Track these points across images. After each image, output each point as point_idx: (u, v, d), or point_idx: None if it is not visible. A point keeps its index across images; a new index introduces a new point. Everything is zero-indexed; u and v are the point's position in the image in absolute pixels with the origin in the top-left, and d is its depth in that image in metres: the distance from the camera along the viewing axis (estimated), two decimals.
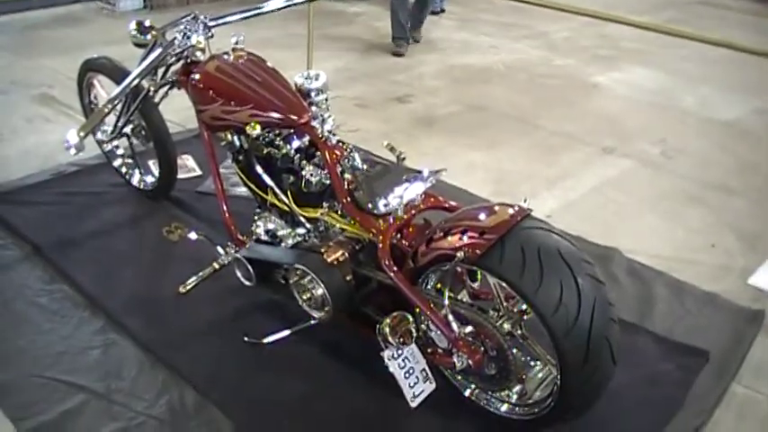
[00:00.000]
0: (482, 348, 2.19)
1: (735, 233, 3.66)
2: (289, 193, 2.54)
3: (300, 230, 2.61)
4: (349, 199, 2.38)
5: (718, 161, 4.49)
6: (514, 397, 2.29)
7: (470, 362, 2.16)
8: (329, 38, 6.23)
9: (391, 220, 2.31)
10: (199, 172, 3.82)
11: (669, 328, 2.89)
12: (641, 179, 4.21)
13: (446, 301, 2.16)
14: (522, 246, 2.01)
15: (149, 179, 3.50)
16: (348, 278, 2.37)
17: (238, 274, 2.71)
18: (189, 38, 2.73)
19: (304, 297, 2.44)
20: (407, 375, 2.24)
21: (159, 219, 3.37)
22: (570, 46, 6.64)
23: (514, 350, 2.17)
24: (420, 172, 2.34)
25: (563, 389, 2.07)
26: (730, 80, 5.90)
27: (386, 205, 2.28)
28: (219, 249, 2.72)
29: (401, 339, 2.18)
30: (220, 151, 2.84)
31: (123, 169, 3.57)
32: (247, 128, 2.43)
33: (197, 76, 2.63)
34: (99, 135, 3.28)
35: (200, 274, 2.69)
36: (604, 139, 4.67)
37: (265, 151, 2.56)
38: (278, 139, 2.54)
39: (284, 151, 2.52)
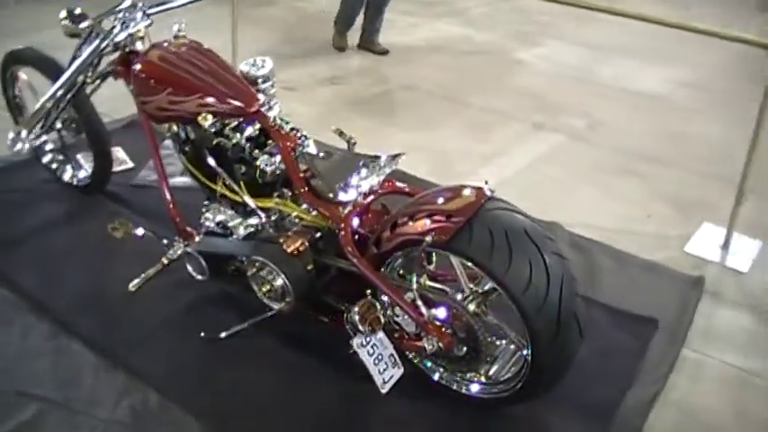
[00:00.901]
0: (450, 330, 2.19)
1: (668, 202, 3.79)
2: (241, 183, 2.47)
3: (253, 221, 2.54)
4: (306, 187, 2.34)
5: (643, 132, 4.64)
6: (484, 377, 2.31)
7: (441, 344, 2.16)
8: (251, 20, 6.08)
9: (351, 207, 2.28)
10: (131, 164, 3.69)
11: (617, 298, 2.97)
12: (573, 153, 4.30)
13: (414, 286, 2.16)
14: (489, 227, 2.02)
15: (82, 174, 3.35)
16: (309, 267, 2.33)
17: (190, 268, 2.63)
18: (128, 26, 2.61)
19: (263, 289, 2.39)
20: (377, 362, 2.23)
21: (98, 215, 3.21)
22: (489, 22, 6.71)
23: (482, 330, 2.18)
24: (378, 157, 2.31)
25: (534, 365, 2.10)
26: (646, 52, 6.09)
27: (345, 192, 2.24)
28: (167, 244, 2.64)
29: (370, 327, 2.17)
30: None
31: (53, 165, 3.40)
32: (199, 118, 2.35)
33: (140, 67, 2.52)
34: None
35: (149, 270, 2.61)
36: (533, 115, 4.75)
37: (215, 141, 2.48)
38: (227, 128, 2.47)
39: (235, 141, 2.45)
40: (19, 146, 2.33)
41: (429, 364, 2.38)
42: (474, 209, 2.05)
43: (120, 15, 2.62)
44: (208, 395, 2.38)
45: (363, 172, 2.26)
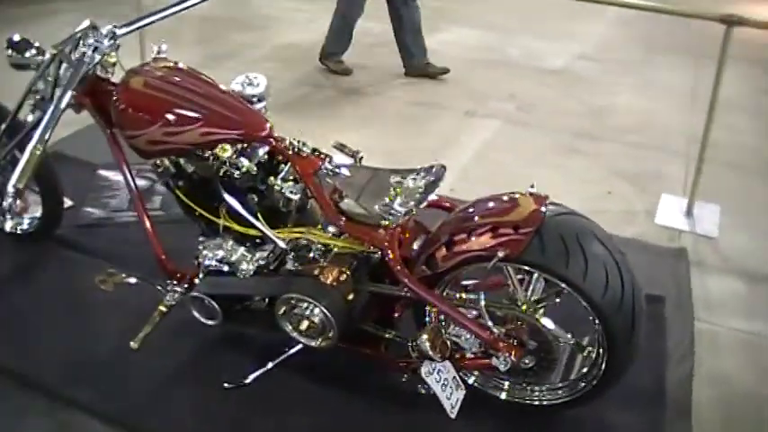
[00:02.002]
0: (517, 343, 2.10)
1: (621, 177, 3.86)
2: (258, 214, 2.25)
3: (261, 254, 2.33)
4: (335, 211, 2.15)
5: (570, 109, 4.71)
6: (550, 383, 2.23)
7: (513, 359, 2.06)
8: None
9: (394, 228, 2.12)
10: (70, 203, 3.31)
11: None
12: (515, 137, 4.31)
13: (482, 302, 2.05)
14: (560, 234, 1.95)
15: (26, 220, 2.97)
16: (349, 297, 2.16)
17: (197, 314, 2.38)
18: (98, 51, 2.30)
19: (301, 327, 2.19)
20: (444, 387, 2.11)
21: (54, 264, 2.89)
22: (383, 12, 6.59)
23: (552, 337, 2.10)
24: (414, 171, 2.15)
25: (610, 363, 2.06)
26: (540, 30, 6.20)
27: (388, 212, 2.07)
28: (162, 290, 2.39)
29: (440, 353, 2.03)
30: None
31: None
32: (217, 150, 2.12)
33: (122, 97, 2.22)
34: None
35: (148, 322, 2.33)
36: (461, 103, 4.71)
37: (221, 171, 2.23)
38: (234, 155, 2.23)
39: (245, 168, 2.22)
40: (11, 203, 1.98)
41: (490, 383, 2.28)
42: (540, 217, 1.96)
43: (90, 40, 2.30)
44: None
45: (404, 189, 2.09)
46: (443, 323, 2.16)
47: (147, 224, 2.45)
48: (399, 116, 4.54)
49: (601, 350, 2.06)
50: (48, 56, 2.42)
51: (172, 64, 2.31)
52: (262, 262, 2.32)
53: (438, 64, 5.16)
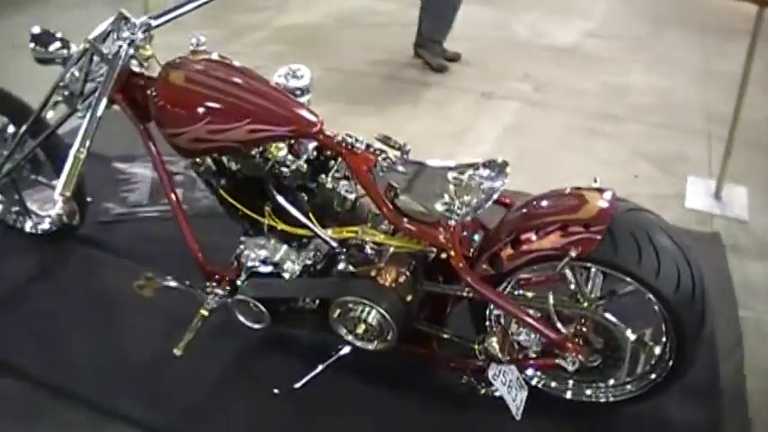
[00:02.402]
0: (583, 342, 2.04)
1: (646, 160, 3.80)
2: (310, 213, 2.16)
3: (307, 254, 2.25)
4: (392, 209, 2.07)
5: (585, 88, 4.64)
6: (615, 379, 2.18)
7: (581, 359, 2.00)
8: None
9: (456, 226, 2.03)
10: (88, 198, 3.20)
11: None
12: (535, 119, 4.23)
13: (551, 302, 1.98)
14: (631, 232, 1.90)
15: (47, 219, 2.85)
16: (408, 299, 2.09)
17: (242, 318, 2.30)
18: (134, 45, 2.18)
19: (358, 330, 2.11)
20: (510, 389, 2.05)
21: (76, 264, 2.80)
22: None
23: (620, 334, 2.04)
24: (475, 165, 2.05)
25: (679, 357, 2.01)
26: (547, 4, 6.10)
27: (450, 210, 1.99)
28: (202, 293, 2.29)
29: (508, 355, 1.97)
30: None
31: (11, 217, 2.87)
32: (273, 149, 2.03)
33: (161, 93, 2.11)
34: None
35: (191, 328, 2.24)
36: (476, 84, 4.62)
37: (269, 169, 2.14)
38: (280, 153, 2.13)
39: (294, 166, 2.12)
40: (61, 213, 1.88)
41: (554, 383, 2.22)
42: (610, 214, 1.90)
43: (125, 33, 2.18)
44: None
45: (465, 185, 2.01)
46: (507, 324, 2.09)
47: (184, 224, 2.35)
48: (417, 99, 4.44)
49: (669, 344, 2.01)
50: (74, 49, 2.32)
51: (212, 57, 2.20)
52: (308, 262, 2.24)
53: (447, 44, 5.05)
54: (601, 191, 1.98)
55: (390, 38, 5.35)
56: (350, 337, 2.16)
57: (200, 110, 2.06)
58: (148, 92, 2.15)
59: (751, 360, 2.52)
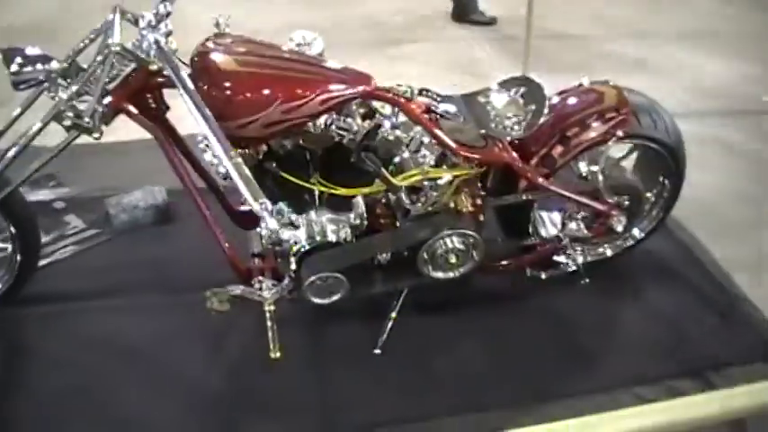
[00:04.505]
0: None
1: None
2: (383, 170, 2.22)
3: (357, 213, 2.30)
4: (456, 143, 2.22)
5: None
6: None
7: (623, 218, 2.46)
8: None
9: (507, 140, 2.30)
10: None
11: None
12: None
13: (600, 179, 2.40)
14: (643, 108, 2.43)
15: None
16: (481, 218, 2.33)
17: (315, 298, 2.25)
18: (145, 39, 1.98)
19: (450, 261, 2.28)
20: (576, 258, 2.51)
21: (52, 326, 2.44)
22: None
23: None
24: (501, 87, 2.32)
25: (674, 192, 2.60)
26: None
27: (505, 128, 2.24)
28: (263, 287, 2.24)
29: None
30: None
31: None
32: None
33: (220, 84, 1.99)
34: None
35: (268, 328, 2.19)
36: None
37: (333, 137, 2.16)
38: (340, 119, 2.16)
39: (355, 128, 2.17)
40: None
41: (598, 250, 2.68)
42: (626, 99, 2.37)
43: (145, 30, 1.97)
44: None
45: (505, 106, 2.27)
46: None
47: (217, 229, 2.24)
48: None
49: (669, 184, 2.58)
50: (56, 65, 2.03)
51: (238, 37, 2.12)
52: (357, 221, 2.29)
53: None
54: (602, 82, 2.44)
55: None
56: (438, 274, 2.31)
57: (272, 91, 2.03)
58: (200, 87, 1.99)
59: None
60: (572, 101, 2.41)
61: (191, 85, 1.89)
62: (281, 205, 2.10)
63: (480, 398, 2.23)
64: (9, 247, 2.32)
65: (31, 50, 2.03)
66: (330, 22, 5.23)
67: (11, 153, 2.08)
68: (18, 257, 2.32)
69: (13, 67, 2.01)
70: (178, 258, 2.70)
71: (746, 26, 5.51)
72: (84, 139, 2.05)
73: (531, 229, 2.51)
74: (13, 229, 2.27)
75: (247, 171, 1.81)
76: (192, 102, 1.86)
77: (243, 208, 2.46)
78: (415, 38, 5.25)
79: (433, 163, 2.27)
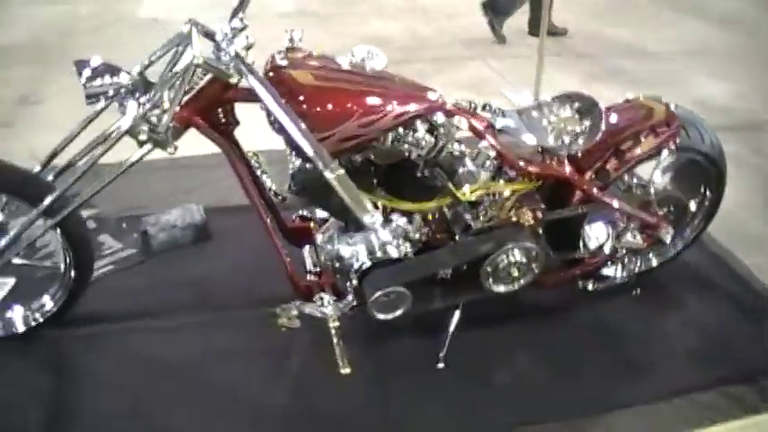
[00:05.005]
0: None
1: None
2: (450, 185, 2.22)
3: (413, 227, 2.31)
4: (515, 156, 2.26)
5: None
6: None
7: (671, 229, 2.53)
8: None
9: (564, 153, 2.33)
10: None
11: None
12: None
13: (652, 191, 2.47)
14: (690, 122, 2.49)
15: (47, 300, 2.31)
16: (540, 230, 2.36)
17: (379, 314, 2.24)
18: (225, 52, 1.96)
19: (513, 274, 2.30)
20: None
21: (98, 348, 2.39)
22: None
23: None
24: (555, 102, 2.35)
25: (716, 197, 2.67)
26: None
27: (565, 144, 2.28)
28: (325, 303, 2.23)
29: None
30: None
31: None
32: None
33: (301, 98, 1.98)
34: None
35: (336, 344, 2.17)
36: None
37: (403, 151, 2.16)
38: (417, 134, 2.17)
39: (424, 142, 2.18)
40: None
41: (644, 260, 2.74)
42: (674, 113, 2.44)
43: (223, 43, 1.94)
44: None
45: (563, 120, 2.31)
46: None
47: (280, 245, 2.22)
48: None
49: (710, 194, 2.65)
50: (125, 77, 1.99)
51: (309, 52, 2.12)
52: (424, 231, 2.31)
53: None
54: (653, 98, 2.51)
55: None
56: (500, 287, 2.33)
57: (350, 106, 2.03)
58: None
59: None
60: (623, 115, 2.46)
61: (279, 98, 1.87)
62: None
63: (545, 411, 2.25)
64: (62, 265, 2.26)
65: (96, 61, 1.99)
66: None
67: (79, 170, 2.03)
68: (72, 275, 2.27)
69: (83, 81, 1.97)
70: (219, 276, 2.68)
71: None
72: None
73: (581, 242, 2.54)
74: (68, 248, 2.21)
75: (351, 183, 1.80)
76: (284, 114, 1.84)
77: (295, 225, 2.46)
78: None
79: (489, 177, 2.30)
